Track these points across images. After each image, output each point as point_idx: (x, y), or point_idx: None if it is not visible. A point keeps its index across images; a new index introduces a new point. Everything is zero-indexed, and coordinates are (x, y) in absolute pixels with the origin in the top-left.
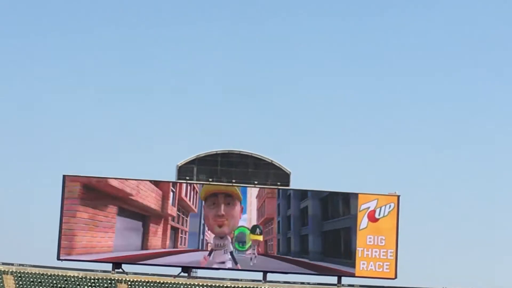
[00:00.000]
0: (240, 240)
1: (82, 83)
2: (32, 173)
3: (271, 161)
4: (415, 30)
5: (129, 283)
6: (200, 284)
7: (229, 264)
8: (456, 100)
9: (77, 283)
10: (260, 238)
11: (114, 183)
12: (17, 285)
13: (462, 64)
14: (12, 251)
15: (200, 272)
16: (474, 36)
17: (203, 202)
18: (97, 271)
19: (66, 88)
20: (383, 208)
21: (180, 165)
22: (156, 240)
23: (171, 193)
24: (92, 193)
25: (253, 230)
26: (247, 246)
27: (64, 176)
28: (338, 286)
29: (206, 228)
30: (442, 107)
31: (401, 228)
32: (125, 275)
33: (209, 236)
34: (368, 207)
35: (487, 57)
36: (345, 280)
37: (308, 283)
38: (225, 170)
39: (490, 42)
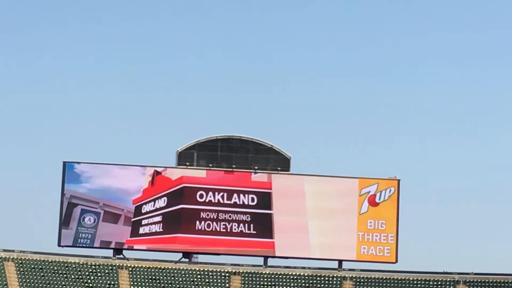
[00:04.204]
0: None
1: (82, 70)
2: (33, 159)
3: (271, 146)
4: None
5: (130, 269)
6: (201, 269)
7: None
8: (457, 83)
9: (78, 269)
10: None
11: None
12: (18, 272)
13: (463, 48)
14: (12, 237)
15: (201, 258)
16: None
17: None
18: (98, 257)
19: (66, 76)
20: (383, 192)
21: (180, 150)
22: None
23: None
24: None
25: None
26: None
27: (64, 163)
28: (339, 271)
29: None
30: (442, 90)
31: (401, 212)
32: (126, 261)
33: None
34: (369, 192)
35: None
36: (346, 265)
37: (309, 268)
38: (225, 155)
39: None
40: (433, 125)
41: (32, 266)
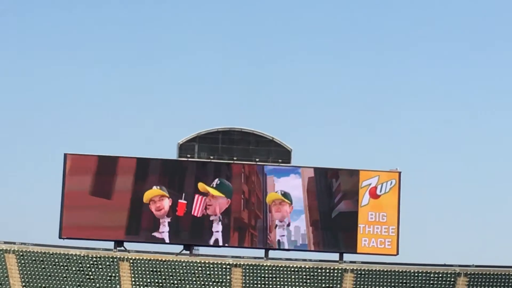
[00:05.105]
0: None
1: (83, 61)
2: (33, 151)
3: (272, 138)
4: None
5: (131, 261)
6: (202, 261)
7: None
8: (459, 75)
9: (79, 261)
10: None
11: None
12: (19, 264)
13: (465, 42)
14: (13, 229)
15: (202, 250)
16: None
17: None
18: (99, 249)
19: (67, 66)
20: (384, 184)
21: (181, 143)
22: None
23: None
24: None
25: None
26: None
27: (65, 155)
28: (340, 263)
29: None
30: (443, 82)
31: (402, 204)
32: (127, 253)
33: None
34: (370, 184)
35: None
36: (347, 257)
37: (310, 260)
38: (226, 147)
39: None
40: (434, 117)
41: (33, 258)
